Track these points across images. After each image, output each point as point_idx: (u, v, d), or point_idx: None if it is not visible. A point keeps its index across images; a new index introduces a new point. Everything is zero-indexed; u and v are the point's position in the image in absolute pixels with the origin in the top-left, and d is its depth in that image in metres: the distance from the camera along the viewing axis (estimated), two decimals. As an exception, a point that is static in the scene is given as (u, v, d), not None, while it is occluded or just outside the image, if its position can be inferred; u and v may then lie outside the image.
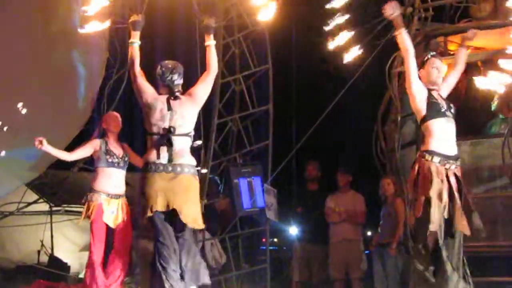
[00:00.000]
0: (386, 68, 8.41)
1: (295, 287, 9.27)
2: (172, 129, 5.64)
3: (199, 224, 5.74)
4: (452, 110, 5.94)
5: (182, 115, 5.72)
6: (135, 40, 5.80)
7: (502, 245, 7.61)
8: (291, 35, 11.28)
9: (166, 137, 5.63)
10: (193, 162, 5.81)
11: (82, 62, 9.58)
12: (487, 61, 8.33)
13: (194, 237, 9.11)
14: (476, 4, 8.41)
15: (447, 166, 5.73)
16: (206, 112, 9.49)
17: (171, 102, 5.70)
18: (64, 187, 10.46)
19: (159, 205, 5.54)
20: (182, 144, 5.71)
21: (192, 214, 5.67)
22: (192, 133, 5.83)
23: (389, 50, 8.10)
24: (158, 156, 5.60)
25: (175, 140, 5.65)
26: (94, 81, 9.43)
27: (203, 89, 5.85)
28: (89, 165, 9.63)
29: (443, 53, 8.20)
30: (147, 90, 5.73)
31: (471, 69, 8.68)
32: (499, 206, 7.73)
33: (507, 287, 7.32)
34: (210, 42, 5.82)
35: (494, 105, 8.49)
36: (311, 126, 9.33)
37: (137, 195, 5.75)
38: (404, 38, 5.82)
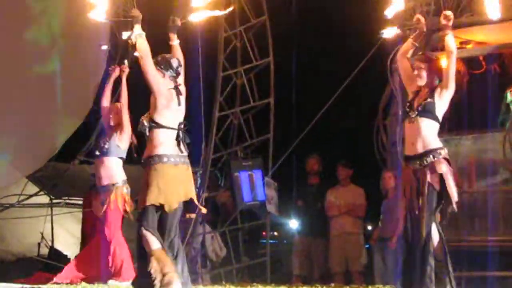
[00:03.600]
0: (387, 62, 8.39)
1: (295, 281, 9.26)
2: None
3: None
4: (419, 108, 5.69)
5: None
6: (142, 31, 5.64)
7: (503, 239, 7.60)
8: (293, 28, 11.25)
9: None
10: None
11: (82, 56, 9.59)
12: (488, 56, 8.31)
13: (194, 230, 9.18)
14: (477, -2, 8.38)
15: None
16: (207, 105, 9.51)
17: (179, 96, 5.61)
18: (65, 180, 10.45)
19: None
20: None
21: None
22: None
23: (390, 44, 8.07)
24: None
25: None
26: (95, 73, 9.42)
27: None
28: (90, 157, 9.65)
29: (443, 48, 8.16)
30: (162, 81, 5.52)
31: (473, 63, 8.67)
32: (500, 201, 7.72)
33: (509, 281, 7.30)
34: (176, 41, 5.68)
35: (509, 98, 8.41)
36: (312, 119, 9.34)
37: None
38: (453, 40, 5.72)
